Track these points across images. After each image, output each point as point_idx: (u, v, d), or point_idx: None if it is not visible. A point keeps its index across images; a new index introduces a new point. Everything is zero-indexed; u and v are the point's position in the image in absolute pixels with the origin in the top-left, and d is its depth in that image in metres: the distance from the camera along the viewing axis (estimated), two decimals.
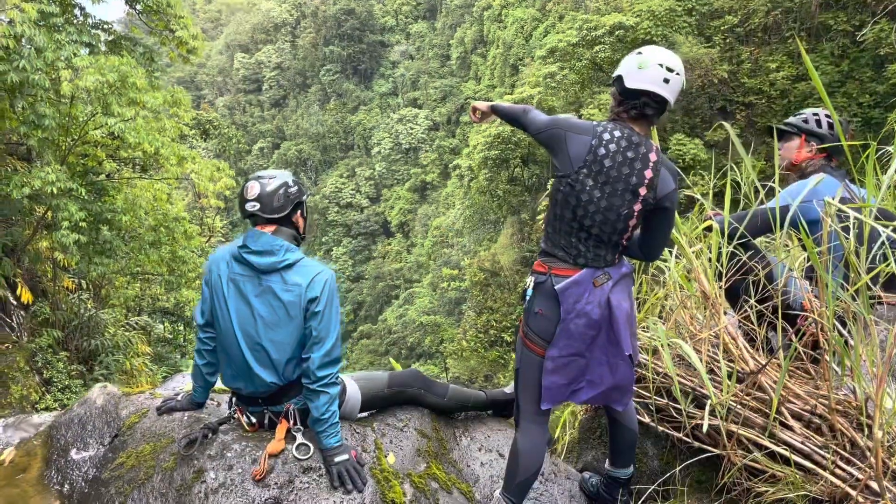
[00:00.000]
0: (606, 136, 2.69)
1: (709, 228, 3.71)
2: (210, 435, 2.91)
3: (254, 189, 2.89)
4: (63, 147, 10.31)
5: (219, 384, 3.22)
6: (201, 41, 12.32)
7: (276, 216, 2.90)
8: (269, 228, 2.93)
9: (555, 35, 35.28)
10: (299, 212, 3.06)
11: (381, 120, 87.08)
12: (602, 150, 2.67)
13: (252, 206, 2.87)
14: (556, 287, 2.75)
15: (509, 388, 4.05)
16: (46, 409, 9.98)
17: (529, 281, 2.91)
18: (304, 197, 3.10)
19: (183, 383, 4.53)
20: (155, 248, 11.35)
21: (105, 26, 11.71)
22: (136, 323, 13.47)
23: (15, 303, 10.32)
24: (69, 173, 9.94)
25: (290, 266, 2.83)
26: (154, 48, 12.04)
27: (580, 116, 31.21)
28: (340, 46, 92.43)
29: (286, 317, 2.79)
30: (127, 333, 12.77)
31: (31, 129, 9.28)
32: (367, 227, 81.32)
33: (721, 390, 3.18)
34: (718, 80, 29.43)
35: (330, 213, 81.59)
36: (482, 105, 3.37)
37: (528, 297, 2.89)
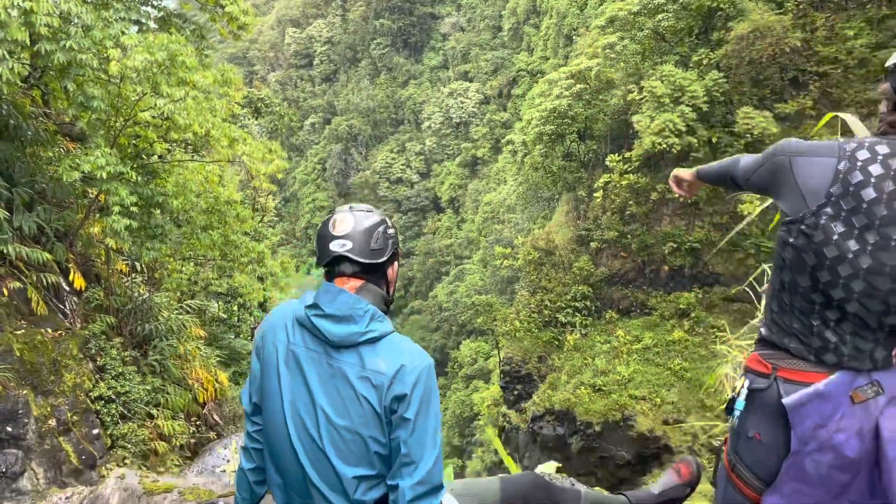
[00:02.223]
0: (864, 154, 1.78)
1: None
2: None
3: (346, 223, 2.22)
4: (113, 129, 10.01)
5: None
6: (252, 16, 11.85)
7: (370, 262, 2.21)
8: (353, 284, 2.21)
9: (613, 3, 33.82)
10: (395, 263, 2.37)
11: (432, 94, 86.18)
12: (858, 177, 1.76)
13: (341, 246, 2.19)
14: (784, 400, 1.87)
15: (656, 488, 3.30)
16: (100, 397, 9.82)
17: (740, 385, 2.05)
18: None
19: (217, 461, 3.87)
20: (207, 233, 11.05)
21: (154, 3, 11.34)
22: (190, 306, 13.25)
23: (68, 289, 10.15)
24: (120, 156, 9.64)
25: (373, 341, 2.09)
26: (204, 25, 11.62)
27: (640, 89, 30.04)
28: (391, 19, 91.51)
29: (360, 415, 2.04)
30: (181, 317, 12.57)
31: (80, 110, 8.98)
32: (418, 203, 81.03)
33: None
34: (790, 49, 27.78)
35: (381, 188, 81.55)
36: (686, 174, 2.61)
37: (737, 412, 2.03)
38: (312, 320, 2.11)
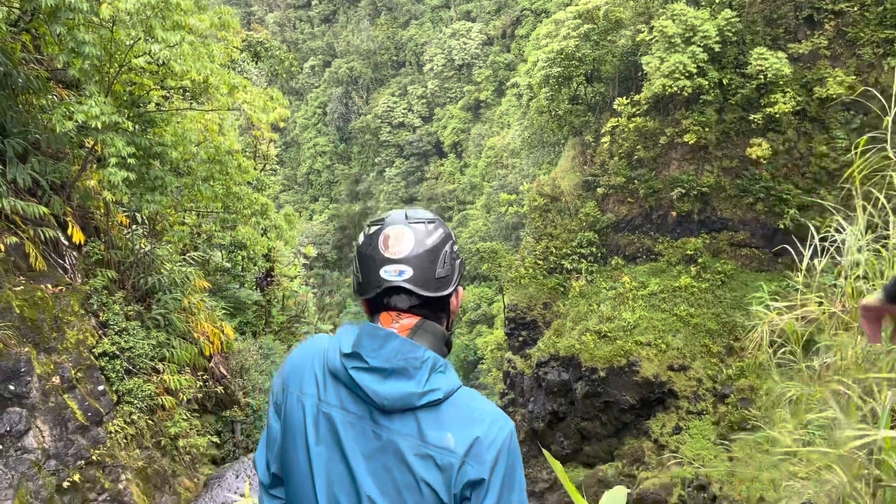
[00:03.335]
0: None
1: None
2: None
3: (403, 241, 1.71)
4: (107, 76, 9.56)
5: None
6: None
7: (433, 295, 1.71)
8: (407, 322, 1.71)
9: None
10: (461, 288, 1.86)
11: (433, 35, 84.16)
12: None
13: (398, 274, 1.69)
14: None
15: None
16: (104, 353, 9.66)
17: None
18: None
19: (227, 495, 3.49)
20: (208, 184, 10.70)
21: None
22: (193, 258, 13.00)
23: (67, 243, 9.87)
24: (115, 105, 9.22)
25: (436, 404, 1.61)
26: None
27: (650, 29, 29.10)
28: None
29: None
30: (184, 269, 12.33)
31: (71, 56, 8.53)
32: (420, 148, 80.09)
33: None
34: None
35: (382, 133, 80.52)
36: (875, 303, 2.06)
37: None
38: (352, 375, 1.62)
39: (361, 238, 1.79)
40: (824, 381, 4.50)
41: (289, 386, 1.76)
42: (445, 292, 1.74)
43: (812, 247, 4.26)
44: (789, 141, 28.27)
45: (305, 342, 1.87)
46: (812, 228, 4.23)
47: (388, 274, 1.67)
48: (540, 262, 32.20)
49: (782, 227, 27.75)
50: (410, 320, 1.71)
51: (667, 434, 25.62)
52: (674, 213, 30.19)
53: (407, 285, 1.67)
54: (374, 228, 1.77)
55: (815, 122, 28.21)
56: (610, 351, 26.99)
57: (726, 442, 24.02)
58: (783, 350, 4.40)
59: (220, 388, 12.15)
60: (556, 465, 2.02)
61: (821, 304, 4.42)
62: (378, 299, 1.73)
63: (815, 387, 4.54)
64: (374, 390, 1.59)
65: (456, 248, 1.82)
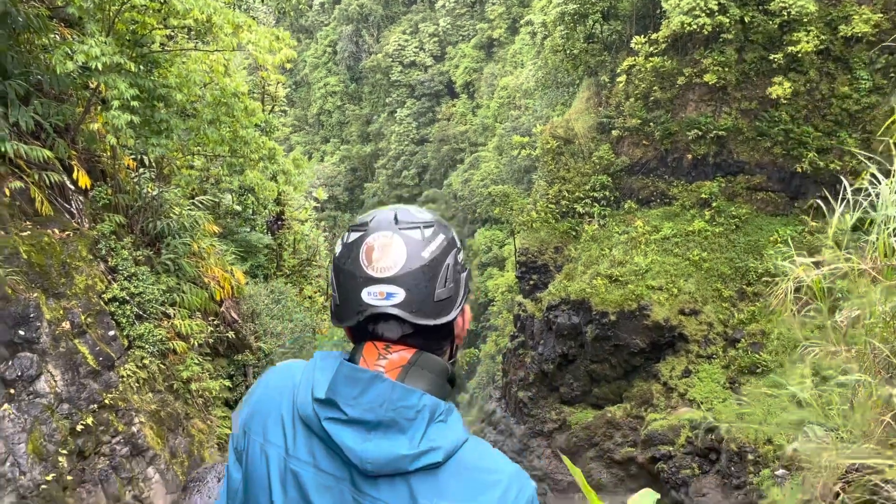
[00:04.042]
0: None
1: None
2: None
3: (391, 253, 1.35)
4: (108, 14, 9.24)
5: None
6: None
7: (432, 324, 1.37)
8: (399, 357, 1.37)
9: None
10: (467, 307, 1.50)
11: None
12: None
13: (385, 297, 1.34)
14: None
15: None
16: (114, 299, 9.64)
17: None
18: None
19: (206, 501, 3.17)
20: (214, 127, 10.46)
21: None
22: (202, 202, 12.87)
23: (73, 187, 9.73)
24: (117, 44, 8.94)
25: (434, 468, 1.27)
26: None
27: None
28: None
29: None
30: (193, 213, 12.22)
31: None
32: (431, 88, 78.73)
33: None
34: None
35: (393, 72, 79.08)
36: None
37: None
38: (326, 428, 1.28)
39: (338, 247, 1.43)
40: (850, 339, 4.36)
41: (251, 430, 1.40)
42: (447, 318, 1.38)
43: (844, 201, 4.05)
44: (811, 82, 27.46)
45: (274, 372, 1.51)
46: (846, 182, 3.99)
47: (373, 297, 1.32)
48: (552, 206, 31.89)
49: (800, 170, 27.24)
50: (403, 354, 1.36)
51: (676, 377, 25.77)
52: (689, 156, 29.65)
53: (397, 312, 1.32)
54: (353, 236, 1.40)
55: (839, 61, 27.34)
56: (621, 295, 26.94)
57: (735, 385, 24.18)
58: (808, 308, 4.24)
59: (231, 333, 12.18)
60: (576, 472, 1.89)
61: (849, 260, 4.23)
62: (361, 325, 1.38)
63: (839, 345, 4.41)
64: (353, 450, 1.24)
65: (461, 258, 1.44)
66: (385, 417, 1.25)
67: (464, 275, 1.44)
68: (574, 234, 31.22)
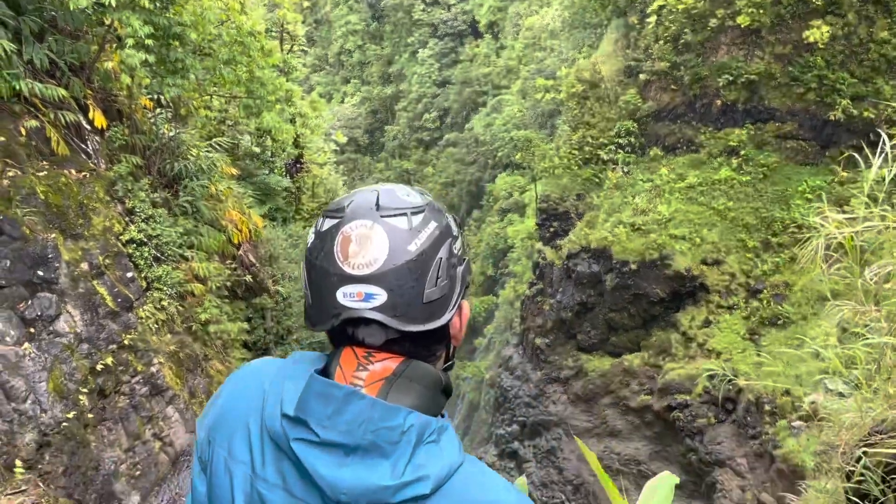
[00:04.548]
0: None
1: None
2: None
3: (370, 246, 1.16)
4: None
5: None
6: None
7: (420, 329, 1.19)
8: (382, 367, 1.19)
9: None
10: (465, 303, 1.31)
11: None
12: None
13: (364, 298, 1.15)
14: None
15: None
16: (131, 240, 9.65)
17: None
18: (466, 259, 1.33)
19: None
20: (231, 67, 10.26)
21: None
22: (220, 143, 12.77)
23: (89, 127, 9.66)
24: None
25: (421, 500, 1.08)
26: None
27: None
28: None
29: None
30: (211, 155, 12.13)
31: None
32: (455, 27, 76.89)
33: None
34: None
35: (415, 11, 77.24)
36: None
37: None
38: (295, 450, 1.11)
39: (311, 236, 1.23)
40: (882, 297, 4.20)
41: (214, 440, 1.24)
42: (439, 322, 1.20)
43: (882, 154, 3.82)
44: (849, 25, 26.33)
45: (243, 373, 1.31)
46: (884, 136, 3.76)
47: (350, 298, 1.14)
48: (575, 152, 31.33)
49: (833, 118, 26.38)
50: (387, 364, 1.18)
51: (695, 327, 25.65)
52: (719, 102, 28.81)
53: (378, 316, 1.14)
54: (327, 223, 1.20)
55: (879, 4, 26.14)
56: (643, 244, 26.63)
57: (756, 337, 24.04)
58: (838, 266, 4.06)
59: (248, 277, 12.22)
60: (591, 456, 1.77)
61: (884, 217, 4.03)
62: (339, 331, 1.20)
63: (868, 304, 4.24)
64: (325, 478, 1.07)
65: (458, 247, 1.24)
66: (364, 441, 1.08)
67: (461, 268, 1.24)
68: (597, 181, 30.74)
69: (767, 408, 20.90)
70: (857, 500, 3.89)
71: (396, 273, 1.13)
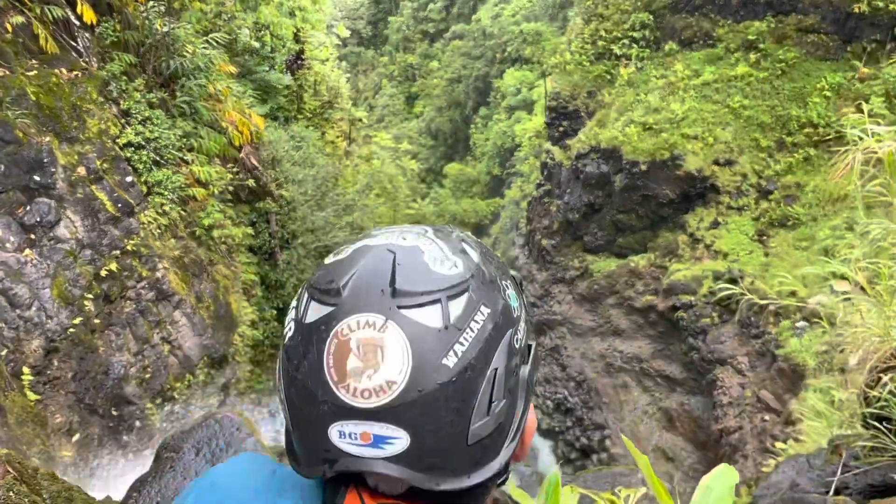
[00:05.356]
0: None
1: None
2: None
3: (387, 358, 0.72)
4: None
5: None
6: None
7: (460, 487, 0.79)
8: None
9: None
10: (531, 414, 0.97)
11: None
12: None
13: (372, 443, 0.76)
14: None
15: None
16: (129, 144, 9.37)
17: None
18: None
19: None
20: None
21: None
22: (216, 40, 12.18)
23: (78, 23, 9.16)
24: None
25: None
26: None
27: None
28: None
29: None
30: (208, 52, 11.60)
31: None
32: None
33: None
34: None
35: None
36: None
37: None
38: None
39: (288, 326, 0.82)
40: None
41: None
42: (492, 469, 0.83)
43: None
44: None
45: (201, 489, 0.93)
46: None
47: (349, 441, 0.76)
48: (587, 47, 30.13)
49: (857, 10, 25.09)
50: None
51: (703, 228, 25.47)
52: None
53: (395, 471, 0.76)
54: (313, 312, 0.79)
55: None
56: (654, 144, 26.05)
57: (764, 238, 23.90)
58: (874, 182, 3.81)
59: (251, 181, 11.97)
60: (641, 458, 1.59)
61: None
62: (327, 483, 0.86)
63: None
64: None
65: (520, 337, 0.84)
66: None
67: (525, 369, 0.85)
68: (609, 77, 29.72)
69: (772, 307, 21.03)
70: (875, 423, 3.82)
71: (424, 404, 0.73)
